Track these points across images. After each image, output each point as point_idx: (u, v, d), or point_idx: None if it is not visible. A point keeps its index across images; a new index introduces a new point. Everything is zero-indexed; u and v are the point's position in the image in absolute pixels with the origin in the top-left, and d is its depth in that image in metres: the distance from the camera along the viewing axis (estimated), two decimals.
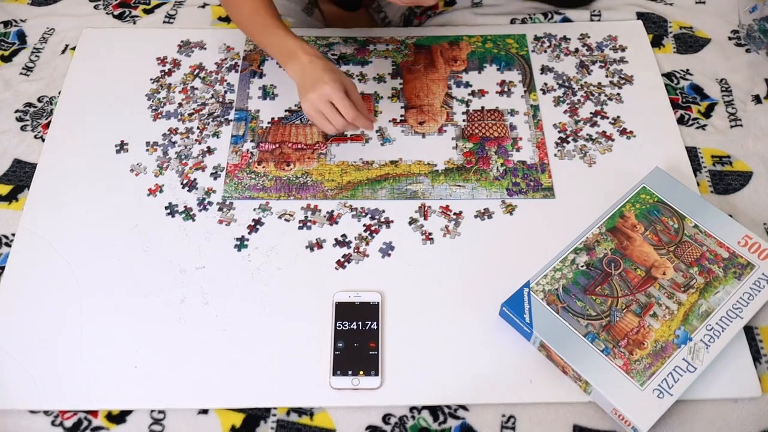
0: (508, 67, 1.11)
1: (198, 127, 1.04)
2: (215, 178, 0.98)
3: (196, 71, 1.12)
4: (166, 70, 1.11)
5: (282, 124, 1.04)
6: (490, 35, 1.15)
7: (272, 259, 0.90)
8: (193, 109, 1.06)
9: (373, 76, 1.10)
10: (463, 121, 1.05)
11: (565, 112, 1.06)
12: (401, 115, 1.05)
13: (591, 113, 1.05)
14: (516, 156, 1.00)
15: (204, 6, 1.23)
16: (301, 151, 1.01)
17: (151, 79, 1.10)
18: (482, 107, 1.06)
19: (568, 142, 1.02)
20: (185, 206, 0.95)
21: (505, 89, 1.08)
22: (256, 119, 1.05)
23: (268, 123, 1.05)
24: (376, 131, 1.03)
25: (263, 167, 0.99)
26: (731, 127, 1.05)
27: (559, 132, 1.04)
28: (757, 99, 1.08)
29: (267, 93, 1.08)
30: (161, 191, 0.97)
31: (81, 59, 1.13)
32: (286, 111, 1.06)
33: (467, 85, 1.09)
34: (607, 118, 1.05)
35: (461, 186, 0.97)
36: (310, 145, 1.02)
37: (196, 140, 1.03)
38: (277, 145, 1.02)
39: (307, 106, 0.90)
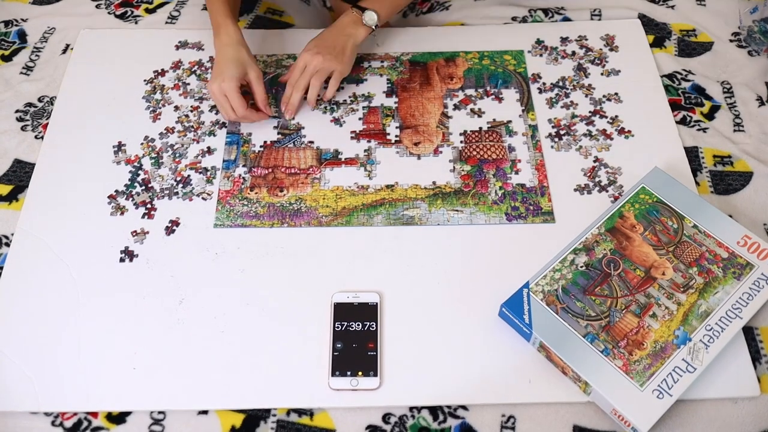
0: (506, 84, 1.09)
1: (193, 127, 1.04)
2: (210, 181, 0.98)
3: (195, 67, 1.12)
4: (160, 71, 1.12)
5: (275, 148, 1.02)
6: (487, 51, 1.14)
7: (271, 260, 0.90)
8: (191, 106, 1.07)
9: (362, 93, 1.10)
10: (461, 142, 1.02)
11: (562, 106, 1.06)
12: (396, 136, 1.04)
13: (590, 112, 1.05)
14: (515, 179, 0.98)
15: (206, 6, 1.23)
16: (294, 175, 0.99)
17: (144, 81, 1.10)
18: (480, 128, 1.04)
19: (561, 137, 1.02)
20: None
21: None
22: (248, 143, 1.03)
23: (261, 147, 1.02)
24: (364, 151, 1.01)
25: (256, 193, 0.97)
26: (733, 128, 1.05)
27: (553, 127, 1.04)
28: (760, 101, 1.08)
29: None
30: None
31: (79, 60, 1.14)
32: (279, 134, 1.04)
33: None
34: (606, 117, 1.05)
35: (459, 211, 0.95)
36: (303, 170, 0.99)
37: (193, 140, 1.03)
38: (270, 170, 1.00)
39: (210, 91, 0.99)
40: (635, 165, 0.97)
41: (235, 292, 0.87)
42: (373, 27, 1.04)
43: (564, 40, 1.15)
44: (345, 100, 1.08)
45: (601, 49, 1.13)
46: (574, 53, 1.13)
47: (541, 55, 1.13)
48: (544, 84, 1.09)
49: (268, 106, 1.03)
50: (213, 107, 1.07)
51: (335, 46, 1.01)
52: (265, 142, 1.03)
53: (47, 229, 0.93)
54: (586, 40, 1.15)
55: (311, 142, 1.03)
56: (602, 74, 1.10)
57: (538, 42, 1.15)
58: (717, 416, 0.78)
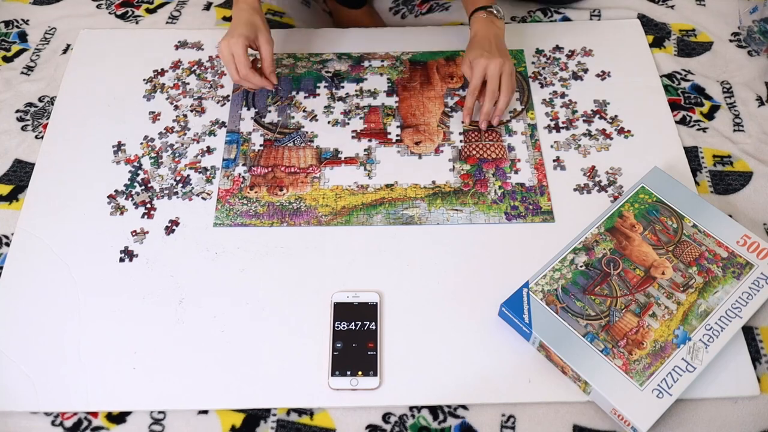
0: None
1: (190, 127, 1.04)
2: (209, 181, 0.98)
3: (194, 67, 1.12)
4: (160, 71, 1.12)
5: (275, 147, 1.02)
6: None
7: (270, 260, 0.90)
8: (190, 106, 1.07)
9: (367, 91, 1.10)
10: (460, 141, 1.03)
11: (562, 105, 1.06)
12: (397, 135, 1.04)
13: (592, 111, 1.05)
14: (514, 178, 0.98)
15: (208, 7, 1.23)
16: (294, 175, 0.99)
17: (144, 80, 1.10)
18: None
19: (559, 131, 1.02)
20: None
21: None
22: (248, 142, 1.03)
23: (261, 145, 1.02)
24: (364, 150, 1.02)
25: (255, 192, 0.97)
26: (733, 128, 1.05)
27: (551, 120, 1.04)
28: (760, 101, 1.08)
29: (261, 116, 1.06)
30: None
31: (79, 60, 1.14)
32: (278, 133, 1.04)
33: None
34: (605, 117, 1.05)
35: (458, 210, 0.95)
36: (303, 169, 0.99)
37: (192, 140, 1.03)
38: (270, 169, 0.99)
39: (219, 48, 0.98)
40: (635, 165, 0.97)
41: (235, 292, 0.87)
42: (503, 17, 1.04)
43: (559, 49, 1.15)
44: (348, 93, 1.08)
45: (600, 53, 1.13)
46: (573, 52, 1.13)
47: (542, 68, 1.12)
48: (545, 78, 1.10)
49: (273, 74, 1.02)
50: (216, 102, 1.07)
51: (492, 47, 0.99)
52: (264, 140, 1.03)
53: (47, 229, 0.93)
54: (587, 49, 1.14)
55: (311, 141, 1.03)
56: (602, 74, 1.10)
57: (538, 51, 1.14)
58: (717, 416, 0.78)
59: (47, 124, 1.05)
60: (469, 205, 0.95)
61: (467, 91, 1.01)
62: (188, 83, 1.10)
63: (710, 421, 0.78)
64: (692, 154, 1.01)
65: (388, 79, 1.11)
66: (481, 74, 0.98)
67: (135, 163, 1.00)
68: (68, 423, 0.79)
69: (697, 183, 0.98)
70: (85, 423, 0.79)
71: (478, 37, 1.01)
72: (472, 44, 1.01)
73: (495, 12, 1.03)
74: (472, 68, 0.98)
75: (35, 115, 1.08)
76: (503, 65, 0.97)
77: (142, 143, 1.02)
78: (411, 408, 0.80)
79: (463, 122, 1.04)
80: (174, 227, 0.93)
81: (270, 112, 1.06)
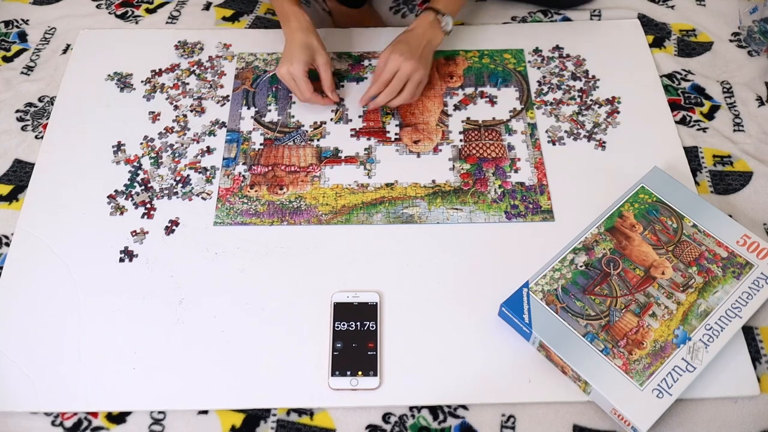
0: (505, 83, 1.09)
1: (189, 127, 1.04)
2: (209, 181, 0.98)
3: (194, 67, 1.12)
4: (158, 71, 1.12)
5: (275, 146, 1.02)
6: (487, 50, 1.14)
7: (271, 259, 0.90)
8: (190, 106, 1.07)
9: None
10: (460, 140, 1.03)
11: (561, 104, 1.07)
12: (396, 134, 1.04)
13: (592, 110, 1.05)
14: (514, 177, 0.98)
15: (208, 7, 1.23)
16: (294, 173, 0.99)
17: (142, 81, 1.10)
18: (479, 127, 1.04)
19: (559, 131, 1.02)
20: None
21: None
22: (248, 141, 1.03)
23: (261, 144, 1.02)
24: (365, 149, 1.02)
25: (255, 191, 0.97)
26: (733, 128, 1.05)
27: (549, 117, 1.05)
28: (760, 101, 1.08)
29: (261, 115, 1.06)
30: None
31: (78, 60, 1.14)
32: (278, 132, 1.04)
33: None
34: (605, 117, 1.05)
35: (458, 209, 0.95)
36: (303, 168, 1.00)
37: (192, 140, 1.03)
38: (270, 168, 1.00)
39: (279, 74, 1.01)
40: (635, 165, 0.97)
41: (234, 292, 0.87)
42: (448, 32, 1.04)
43: (559, 49, 1.14)
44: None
45: (600, 54, 1.13)
46: (573, 52, 1.13)
47: (539, 64, 1.12)
48: (544, 78, 1.10)
49: (335, 92, 1.04)
50: (216, 102, 1.07)
51: (418, 49, 1.00)
52: (265, 139, 1.03)
53: (47, 229, 0.93)
54: (587, 54, 1.14)
55: (311, 140, 1.03)
56: (602, 74, 1.10)
57: (536, 50, 1.14)
58: (717, 416, 0.79)
59: (47, 124, 1.05)
60: (469, 204, 0.95)
61: (376, 80, 1.00)
62: (188, 83, 1.10)
63: (710, 421, 0.78)
64: (692, 154, 1.01)
65: None
66: (392, 71, 0.99)
67: (135, 163, 1.00)
68: (68, 423, 0.79)
69: (697, 183, 0.98)
70: (85, 423, 0.79)
71: (412, 33, 1.01)
72: (403, 38, 1.01)
73: (443, 25, 1.02)
74: (387, 62, 0.99)
75: (35, 115, 1.08)
76: (415, 71, 0.98)
77: (142, 143, 1.02)
78: (411, 408, 0.80)
79: (359, 103, 1.06)
80: (174, 227, 0.93)
81: (270, 111, 1.06)
